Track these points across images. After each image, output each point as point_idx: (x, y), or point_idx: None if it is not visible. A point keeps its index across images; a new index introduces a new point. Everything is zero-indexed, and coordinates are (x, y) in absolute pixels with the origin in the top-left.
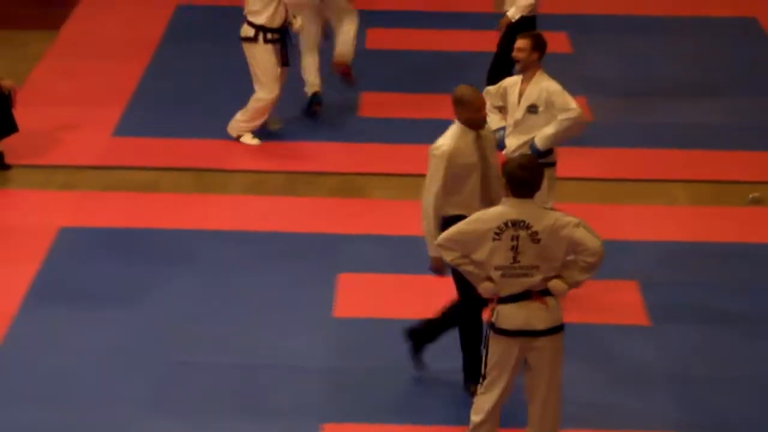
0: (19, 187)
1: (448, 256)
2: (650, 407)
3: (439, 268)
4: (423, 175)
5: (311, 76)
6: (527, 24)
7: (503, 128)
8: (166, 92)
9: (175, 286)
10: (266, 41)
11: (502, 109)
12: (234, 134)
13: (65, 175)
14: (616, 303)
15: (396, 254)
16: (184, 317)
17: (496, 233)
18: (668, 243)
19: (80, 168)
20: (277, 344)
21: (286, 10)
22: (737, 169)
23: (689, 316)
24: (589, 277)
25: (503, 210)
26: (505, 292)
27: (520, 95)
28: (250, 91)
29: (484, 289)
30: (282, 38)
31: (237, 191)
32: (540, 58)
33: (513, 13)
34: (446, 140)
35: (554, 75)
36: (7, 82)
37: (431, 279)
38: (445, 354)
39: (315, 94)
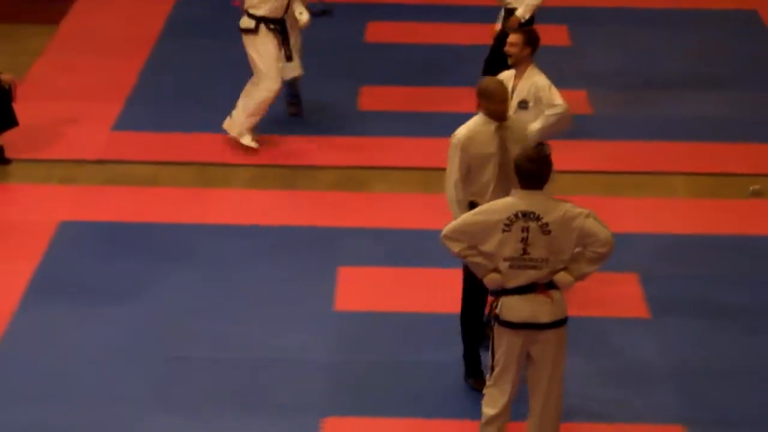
0: (19, 182)
1: (455, 248)
2: (650, 400)
3: None
4: (423, 169)
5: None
6: (527, 20)
7: None
8: (165, 87)
9: (176, 280)
10: (268, 30)
11: None
12: (234, 133)
13: (65, 169)
14: (616, 296)
15: (396, 248)
16: (184, 312)
17: (506, 224)
18: (668, 235)
19: (80, 162)
20: (278, 338)
21: (288, 3)
22: (737, 161)
23: (689, 309)
24: (596, 268)
25: (513, 201)
26: (511, 284)
27: (513, 90)
28: None
29: (490, 280)
30: (283, 30)
31: (237, 185)
32: (532, 54)
33: (522, 12)
34: (463, 129)
35: (554, 68)
36: (7, 77)
37: (432, 272)
38: (446, 346)
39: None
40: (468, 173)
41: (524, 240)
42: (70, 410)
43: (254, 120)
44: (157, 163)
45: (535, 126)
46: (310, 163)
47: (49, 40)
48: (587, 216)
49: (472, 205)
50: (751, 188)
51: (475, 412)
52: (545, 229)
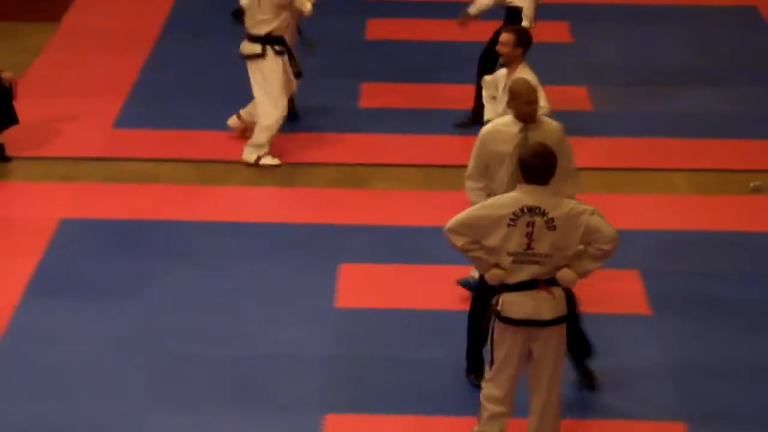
0: (20, 179)
1: (459, 242)
2: (650, 397)
3: None
4: (424, 166)
5: None
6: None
7: None
8: (166, 84)
9: (176, 278)
10: (276, 53)
11: (497, 99)
12: (251, 160)
13: (66, 166)
14: (617, 292)
15: (397, 245)
16: (184, 309)
17: (512, 219)
18: (669, 232)
19: (81, 160)
20: (279, 335)
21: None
22: (738, 157)
23: (690, 306)
24: (600, 265)
25: (519, 196)
26: (512, 279)
27: (505, 88)
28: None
29: (492, 276)
30: (288, 49)
31: (237, 183)
32: (524, 53)
33: (528, 24)
34: (490, 123)
35: (555, 64)
36: (7, 74)
37: (432, 269)
38: (447, 343)
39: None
40: (486, 168)
41: (529, 235)
42: (69, 407)
43: (268, 143)
44: (158, 160)
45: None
46: (311, 161)
47: (50, 38)
48: (592, 213)
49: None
50: (751, 184)
51: (476, 409)
52: (550, 225)
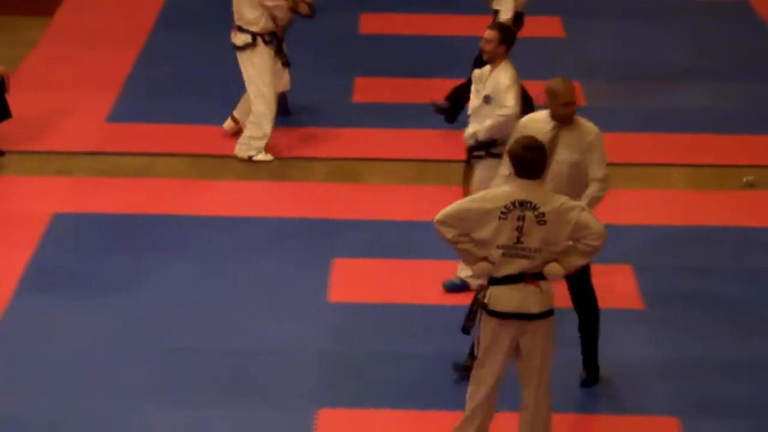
0: (13, 173)
1: (448, 234)
2: (643, 391)
3: None
4: (417, 160)
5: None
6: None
7: None
8: (159, 78)
9: (170, 271)
10: (265, 43)
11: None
12: (245, 156)
13: (59, 161)
14: (610, 287)
15: (391, 239)
16: (178, 303)
17: (503, 212)
18: (662, 227)
19: (74, 154)
20: (272, 330)
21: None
22: (732, 153)
23: (683, 300)
24: (587, 261)
25: (510, 190)
26: (500, 273)
27: (485, 84)
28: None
29: (480, 269)
30: (277, 40)
31: (231, 177)
32: (507, 50)
33: (506, 17)
34: (525, 117)
35: (548, 59)
36: (0, 68)
37: (426, 263)
38: (440, 338)
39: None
40: None
41: (519, 229)
42: (63, 401)
43: (264, 136)
44: (151, 154)
45: (487, 123)
46: (305, 155)
47: (44, 32)
48: (582, 209)
49: None
50: (744, 179)
51: None
52: (541, 220)
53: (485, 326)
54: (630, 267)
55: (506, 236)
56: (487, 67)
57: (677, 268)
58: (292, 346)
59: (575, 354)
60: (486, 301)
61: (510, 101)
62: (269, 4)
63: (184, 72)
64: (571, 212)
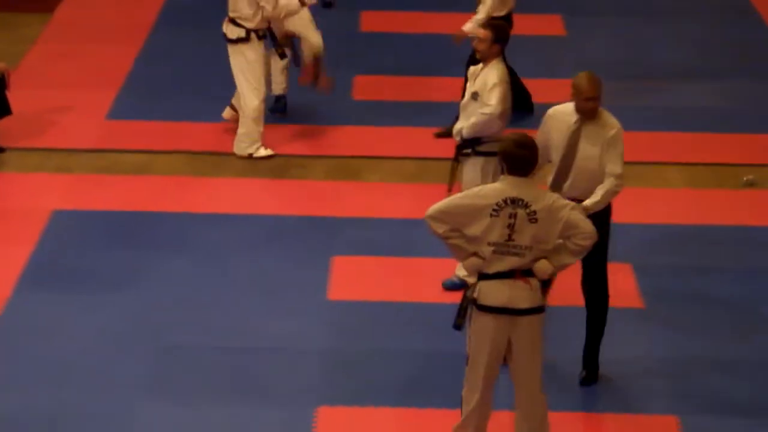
0: (13, 170)
1: (439, 229)
2: (643, 390)
3: None
4: (417, 158)
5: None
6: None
7: None
8: (160, 75)
9: (169, 269)
10: (259, 39)
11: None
12: (244, 153)
13: (59, 157)
14: (610, 286)
15: (390, 237)
16: (177, 300)
17: (495, 210)
18: (662, 226)
19: (74, 151)
20: (272, 327)
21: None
22: (732, 151)
23: (683, 299)
24: (576, 260)
25: (502, 187)
26: (491, 270)
27: (475, 80)
28: None
29: (470, 264)
30: (271, 34)
31: (230, 174)
32: (501, 50)
33: (468, 27)
34: (554, 107)
35: (548, 58)
36: (1, 65)
37: (425, 261)
38: (439, 336)
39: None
40: (545, 148)
41: (511, 226)
42: (63, 396)
43: (258, 133)
44: (151, 151)
45: (472, 120)
46: (304, 153)
47: (44, 29)
48: (573, 208)
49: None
50: (744, 178)
51: None
52: (532, 217)
53: (476, 322)
54: (630, 266)
55: (498, 234)
56: (481, 64)
57: (677, 267)
58: (291, 343)
59: (575, 352)
60: (475, 296)
61: (493, 100)
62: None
63: (185, 70)
64: (561, 211)
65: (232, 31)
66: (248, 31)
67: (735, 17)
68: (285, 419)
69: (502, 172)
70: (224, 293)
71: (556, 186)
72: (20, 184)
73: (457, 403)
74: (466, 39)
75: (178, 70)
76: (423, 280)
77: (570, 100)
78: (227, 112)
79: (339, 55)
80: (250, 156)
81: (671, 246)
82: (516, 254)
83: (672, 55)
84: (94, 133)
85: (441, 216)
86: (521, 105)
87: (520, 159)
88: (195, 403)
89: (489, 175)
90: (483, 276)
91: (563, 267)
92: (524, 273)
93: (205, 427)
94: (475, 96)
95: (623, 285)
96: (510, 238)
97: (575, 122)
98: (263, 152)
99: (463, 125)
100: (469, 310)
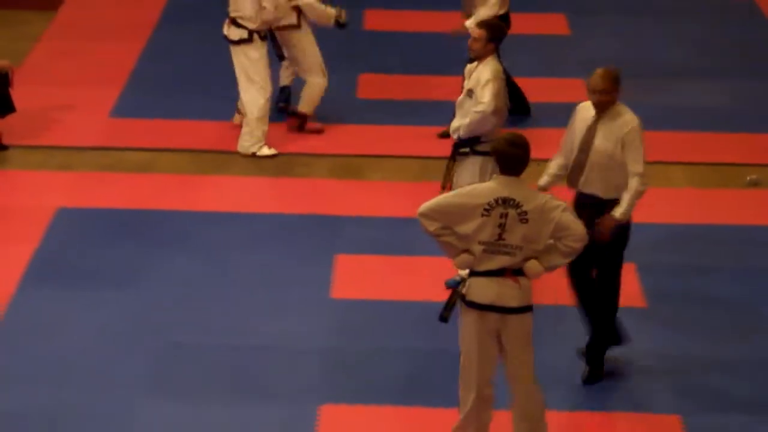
0: (17, 168)
1: (430, 227)
2: (646, 389)
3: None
4: (421, 157)
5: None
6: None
7: None
8: (163, 73)
9: (173, 266)
10: (262, 39)
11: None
12: (248, 152)
13: (63, 155)
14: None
15: (393, 236)
16: (181, 298)
17: (486, 209)
18: (665, 225)
19: (78, 149)
20: (275, 325)
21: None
22: (736, 151)
23: (686, 299)
24: (567, 261)
25: (495, 187)
26: (481, 268)
27: (470, 79)
28: None
29: (461, 261)
30: (271, 35)
31: (234, 172)
32: (496, 48)
33: (475, 21)
34: (583, 102)
35: (552, 57)
36: (4, 62)
37: (429, 260)
38: (443, 335)
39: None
40: (571, 142)
41: (501, 226)
42: (64, 394)
43: (262, 132)
44: (154, 149)
45: (465, 120)
46: (308, 151)
47: (48, 26)
48: (564, 209)
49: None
50: (748, 178)
51: None
52: (523, 218)
53: (465, 320)
54: (633, 265)
55: (488, 233)
56: (473, 64)
57: (680, 267)
58: (294, 341)
59: (573, 349)
60: (465, 291)
61: (485, 98)
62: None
63: (188, 68)
64: (553, 212)
65: (234, 33)
66: (251, 32)
67: (739, 16)
68: (287, 418)
69: None
70: (227, 291)
71: (572, 181)
72: (24, 182)
73: (458, 401)
74: (466, 36)
75: (182, 68)
76: (426, 279)
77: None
78: (237, 118)
79: (343, 53)
80: (254, 155)
81: (674, 245)
82: (506, 253)
83: (676, 54)
84: (97, 131)
85: (433, 214)
86: (517, 107)
87: (512, 158)
88: (196, 402)
89: (487, 174)
90: (473, 273)
91: (553, 267)
92: (515, 272)
93: (207, 426)
94: (470, 93)
95: (626, 284)
96: (500, 237)
97: (594, 115)
98: (267, 151)
99: (460, 124)
100: (457, 305)
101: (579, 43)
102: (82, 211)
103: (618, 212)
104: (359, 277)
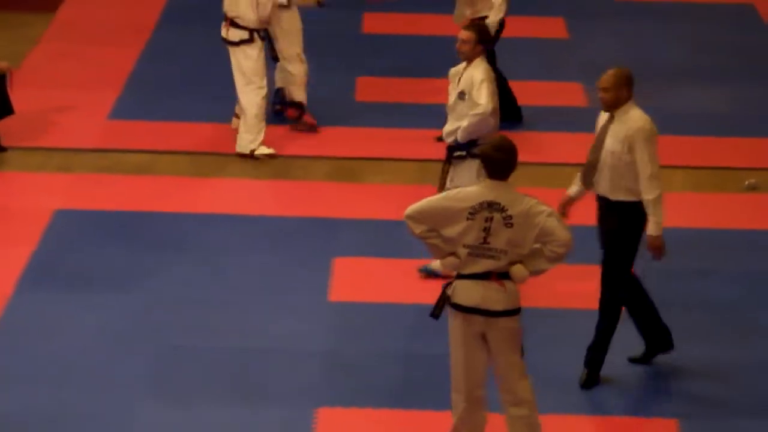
0: (15, 170)
1: (416, 229)
2: (643, 393)
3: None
4: (419, 160)
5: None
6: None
7: None
8: (162, 75)
9: (171, 269)
10: (261, 39)
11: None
12: (246, 151)
13: (61, 157)
14: None
15: (391, 239)
16: (178, 300)
17: (471, 213)
18: (665, 229)
19: (76, 151)
20: (273, 328)
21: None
22: (735, 155)
23: (685, 303)
24: (553, 267)
25: (481, 191)
26: (466, 271)
27: (459, 80)
28: None
29: (447, 263)
30: (267, 35)
31: (233, 175)
32: (485, 49)
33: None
34: None
35: (551, 60)
36: (3, 64)
37: (425, 263)
38: (440, 338)
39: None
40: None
41: (486, 230)
42: (62, 396)
43: (260, 130)
44: (153, 151)
45: (463, 124)
46: (306, 154)
47: (46, 28)
48: (549, 214)
49: None
50: (746, 182)
51: None
52: (508, 222)
53: (451, 323)
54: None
55: (473, 236)
56: (462, 65)
57: (679, 270)
58: (292, 344)
59: (575, 354)
60: (450, 293)
61: (483, 98)
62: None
63: (187, 70)
64: (537, 217)
65: (234, 34)
66: (251, 32)
67: (738, 20)
68: (285, 420)
69: None
70: (225, 294)
71: (585, 180)
72: (22, 184)
73: None
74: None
75: (181, 70)
76: (424, 282)
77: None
78: (235, 123)
79: (342, 56)
80: (252, 153)
81: (673, 249)
82: (491, 257)
83: (675, 58)
84: (96, 133)
85: (419, 216)
86: (509, 113)
87: (498, 162)
88: (195, 404)
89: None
90: (459, 276)
91: (539, 272)
92: (500, 276)
93: (205, 428)
94: (461, 95)
95: None
96: (485, 241)
97: (608, 117)
98: (265, 150)
99: (454, 128)
100: (445, 305)
101: (578, 46)
102: (80, 213)
103: (648, 230)
104: (357, 280)
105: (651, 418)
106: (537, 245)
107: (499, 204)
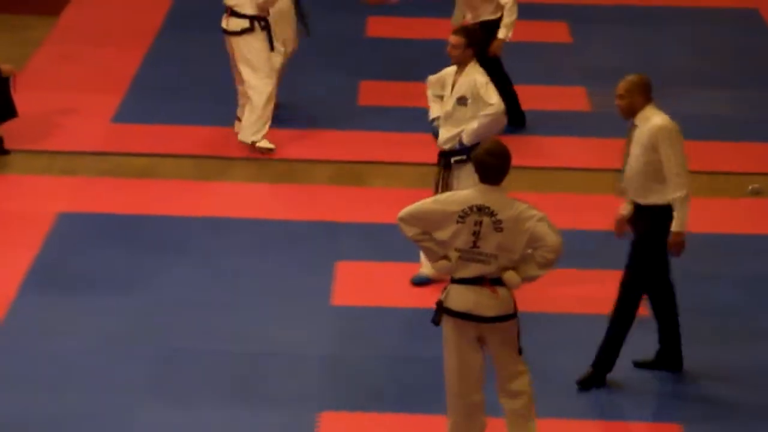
0: (18, 173)
1: (409, 232)
2: (646, 398)
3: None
4: (422, 164)
5: None
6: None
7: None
8: (165, 79)
9: (173, 272)
10: (262, 29)
11: (444, 98)
12: (249, 141)
13: (64, 160)
14: (614, 294)
15: (394, 243)
16: (181, 304)
17: (461, 216)
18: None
19: (79, 154)
20: (275, 332)
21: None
22: (737, 160)
23: (687, 307)
24: (545, 273)
25: (471, 194)
26: (458, 275)
27: (453, 86)
28: None
29: (440, 266)
30: (267, 25)
31: (235, 178)
32: (475, 53)
33: (505, 34)
34: None
35: (554, 64)
36: (6, 67)
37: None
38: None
39: None
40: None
41: (476, 234)
42: (65, 399)
43: (266, 120)
44: (156, 155)
45: (472, 126)
46: (309, 157)
47: (50, 31)
48: (540, 220)
49: None
50: (750, 187)
51: None
52: (498, 226)
53: (445, 327)
54: None
55: (463, 240)
56: (448, 71)
57: (682, 275)
58: (294, 348)
59: (576, 358)
60: (443, 297)
61: (493, 99)
62: None
63: (190, 73)
64: (528, 222)
65: (235, 24)
66: (252, 21)
67: (742, 25)
68: (287, 424)
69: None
70: (227, 297)
71: (619, 189)
72: (25, 187)
73: None
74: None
75: (184, 74)
76: (426, 286)
77: None
78: (237, 125)
79: (345, 59)
80: (253, 144)
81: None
82: (481, 261)
83: (678, 62)
84: (99, 136)
85: (411, 219)
86: (512, 118)
87: (490, 167)
88: (197, 407)
89: None
90: (453, 280)
91: (531, 278)
92: (493, 282)
93: (206, 431)
94: (462, 101)
95: None
96: (475, 245)
97: (629, 125)
98: (266, 144)
99: (453, 134)
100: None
101: (581, 51)
102: (83, 216)
103: (673, 226)
104: (360, 284)
105: (655, 423)
106: (529, 251)
107: (489, 208)
